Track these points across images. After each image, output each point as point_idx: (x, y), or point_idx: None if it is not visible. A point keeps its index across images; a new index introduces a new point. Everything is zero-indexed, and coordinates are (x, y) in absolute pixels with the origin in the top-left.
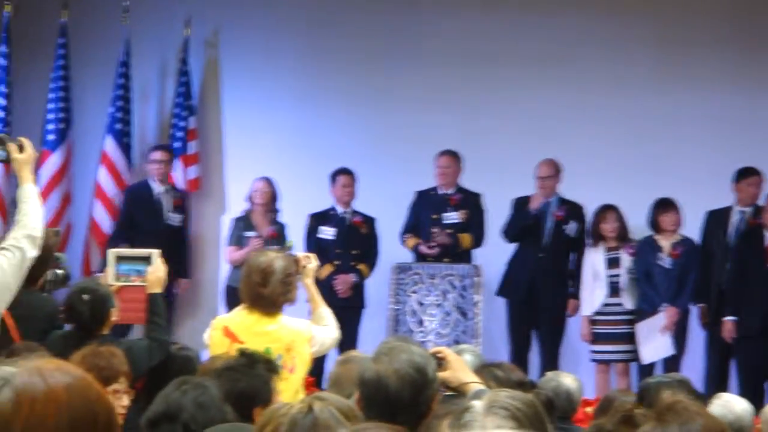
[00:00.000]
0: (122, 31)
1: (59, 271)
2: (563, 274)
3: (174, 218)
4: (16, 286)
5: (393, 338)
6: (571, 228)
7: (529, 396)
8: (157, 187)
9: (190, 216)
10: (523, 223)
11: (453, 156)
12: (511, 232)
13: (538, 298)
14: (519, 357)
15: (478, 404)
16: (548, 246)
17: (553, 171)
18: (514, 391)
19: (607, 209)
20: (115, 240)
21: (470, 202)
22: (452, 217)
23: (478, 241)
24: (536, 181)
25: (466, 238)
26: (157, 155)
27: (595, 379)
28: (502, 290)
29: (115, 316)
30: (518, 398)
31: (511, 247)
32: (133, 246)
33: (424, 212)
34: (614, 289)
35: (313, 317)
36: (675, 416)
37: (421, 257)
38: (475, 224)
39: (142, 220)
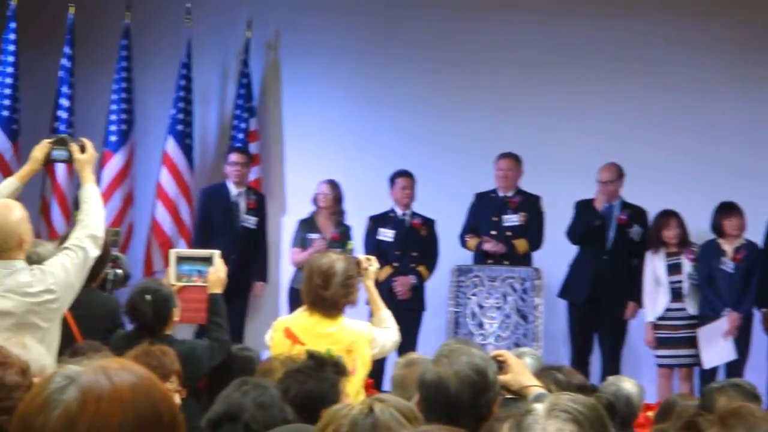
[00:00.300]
0: (184, 33)
1: (119, 271)
2: (626, 277)
3: (249, 220)
4: (79, 285)
5: (453, 340)
6: (635, 232)
7: (590, 399)
8: (234, 190)
9: (267, 218)
10: (590, 224)
11: (514, 159)
12: (576, 234)
13: (600, 301)
14: (580, 360)
15: (539, 407)
16: (612, 249)
17: (615, 175)
18: (576, 395)
19: (668, 215)
20: (195, 241)
21: (530, 205)
22: (512, 219)
23: (535, 245)
24: (598, 185)
25: (521, 244)
26: (235, 157)
27: (658, 383)
28: (564, 292)
29: (177, 316)
30: (580, 401)
31: (572, 250)
32: (210, 247)
33: (483, 214)
34: (676, 295)
35: (374, 319)
36: (740, 421)
37: (480, 259)
38: (533, 227)
39: (219, 221)
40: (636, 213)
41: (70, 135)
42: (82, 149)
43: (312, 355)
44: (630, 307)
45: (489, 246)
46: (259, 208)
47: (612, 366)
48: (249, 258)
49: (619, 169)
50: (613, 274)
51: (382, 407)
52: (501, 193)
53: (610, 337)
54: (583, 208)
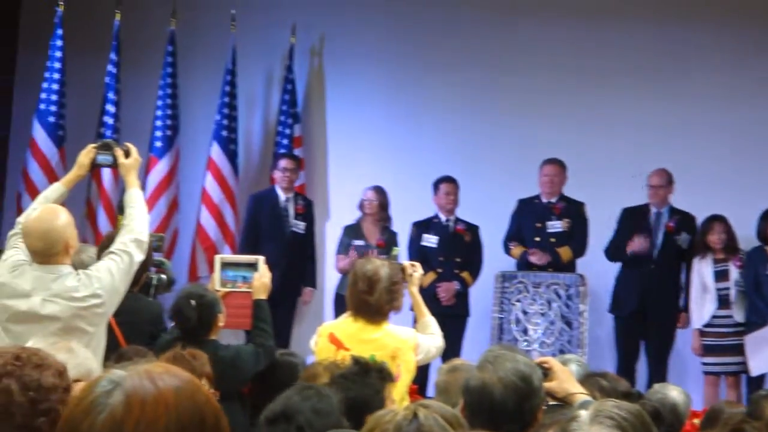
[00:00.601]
0: (229, 39)
1: (163, 276)
2: (674, 286)
3: (298, 225)
4: (124, 290)
5: (498, 347)
6: (683, 239)
7: (635, 406)
8: (283, 195)
9: (315, 224)
10: (623, 257)
11: (558, 164)
12: (610, 255)
13: (647, 310)
14: (626, 367)
15: (584, 414)
16: (659, 257)
17: (665, 180)
18: (621, 401)
19: (714, 220)
20: (241, 246)
21: (573, 211)
22: (556, 226)
23: (579, 252)
24: (648, 190)
25: (565, 252)
26: (285, 163)
27: (704, 390)
28: (613, 307)
29: (221, 322)
30: (625, 408)
31: None
32: (259, 253)
33: (526, 221)
34: (723, 302)
35: (418, 325)
36: None
37: (525, 266)
38: (577, 234)
39: (268, 227)
40: (685, 219)
41: (115, 140)
42: (127, 154)
43: (357, 361)
44: (682, 317)
45: (534, 259)
46: (307, 213)
47: (658, 373)
48: (298, 263)
49: (669, 174)
50: (661, 282)
51: (426, 413)
52: (544, 199)
53: (657, 344)
54: (629, 216)
